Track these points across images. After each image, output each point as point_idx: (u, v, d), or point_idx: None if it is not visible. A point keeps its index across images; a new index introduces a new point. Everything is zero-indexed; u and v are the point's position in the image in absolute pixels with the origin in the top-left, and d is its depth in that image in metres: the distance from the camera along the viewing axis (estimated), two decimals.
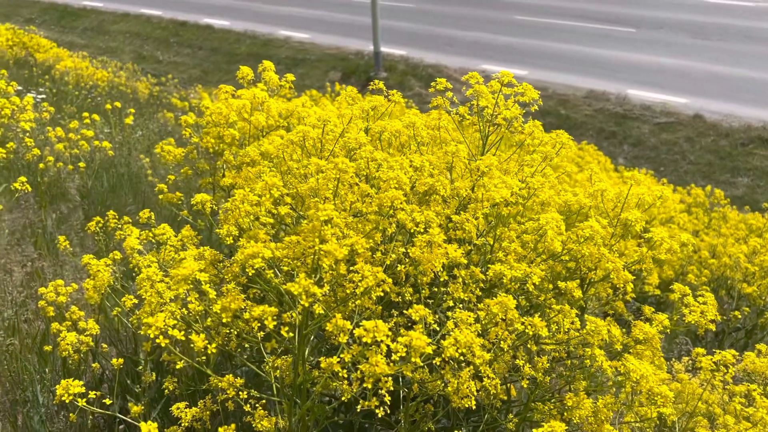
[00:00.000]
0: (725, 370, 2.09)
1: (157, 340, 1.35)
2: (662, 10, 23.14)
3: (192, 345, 1.39)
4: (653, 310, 2.08)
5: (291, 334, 1.40)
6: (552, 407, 1.85)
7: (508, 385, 2.06)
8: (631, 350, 1.96)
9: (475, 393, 1.53)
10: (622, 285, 1.84)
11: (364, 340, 1.27)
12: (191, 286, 1.44)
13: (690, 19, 21.89)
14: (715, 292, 6.19)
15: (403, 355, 1.27)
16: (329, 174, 1.57)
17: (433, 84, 2.08)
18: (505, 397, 2.05)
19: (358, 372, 1.32)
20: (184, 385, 2.77)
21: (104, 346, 3.02)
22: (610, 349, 1.97)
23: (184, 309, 1.64)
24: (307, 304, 1.30)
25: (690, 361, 3.29)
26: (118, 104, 8.35)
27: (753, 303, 6.00)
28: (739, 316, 5.59)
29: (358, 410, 1.44)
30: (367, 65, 19.98)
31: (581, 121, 16.17)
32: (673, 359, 3.37)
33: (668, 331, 2.10)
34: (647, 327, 1.94)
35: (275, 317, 1.35)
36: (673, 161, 15.15)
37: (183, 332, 1.39)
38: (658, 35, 20.83)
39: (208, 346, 1.41)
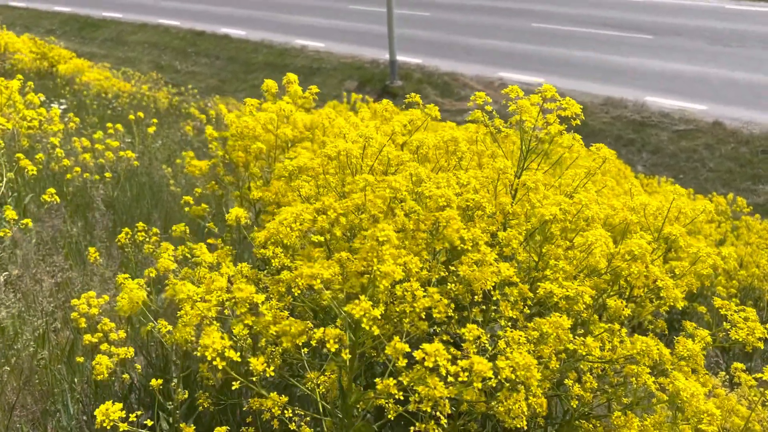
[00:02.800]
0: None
1: (215, 362, 1.34)
2: (680, 16, 22.97)
3: (251, 367, 1.38)
4: (695, 325, 2.04)
5: (349, 356, 1.38)
6: (598, 424, 1.82)
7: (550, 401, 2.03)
8: (674, 367, 1.92)
9: (526, 412, 1.51)
10: (671, 302, 1.80)
11: (426, 364, 1.25)
12: (247, 308, 1.43)
13: (708, 26, 21.71)
14: (742, 303, 6.11)
15: (464, 379, 1.26)
16: (381, 192, 1.56)
17: (472, 98, 2.07)
18: (546, 413, 2.02)
19: (416, 395, 1.30)
20: (214, 398, 2.77)
21: (138, 367, 3.02)
22: (653, 366, 1.94)
23: (242, 326, 1.63)
24: (368, 327, 1.29)
25: (726, 376, 3.23)
26: (141, 114, 8.43)
27: None
28: None
29: (412, 431, 1.43)
30: (383, 74, 20.02)
31: (599, 129, 16.08)
32: (708, 374, 3.31)
33: (710, 347, 2.06)
34: (690, 344, 1.90)
35: (336, 340, 1.34)
36: (693, 169, 14.99)
37: (238, 354, 1.38)
38: (676, 42, 20.67)
39: (267, 369, 1.40)
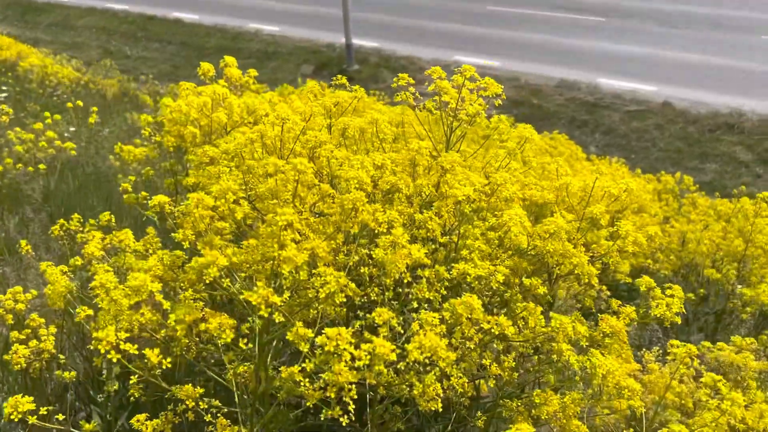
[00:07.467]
0: (690, 362, 2.10)
1: (109, 355, 1.29)
2: None
3: (146, 360, 1.34)
4: (620, 303, 2.08)
5: (250, 346, 1.35)
6: (520, 404, 1.83)
7: (478, 382, 2.05)
8: (599, 344, 1.95)
9: (442, 395, 1.50)
10: (587, 279, 1.82)
11: (326, 348, 1.23)
12: (144, 297, 1.38)
13: (658, 8, 22.15)
14: (686, 278, 6.29)
15: (367, 363, 1.24)
16: (288, 175, 1.53)
17: (395, 79, 2.04)
18: (473, 393, 2.03)
19: (321, 381, 1.28)
20: (150, 391, 2.71)
21: (61, 357, 2.92)
22: (580, 344, 1.96)
23: (142, 318, 1.58)
24: (266, 314, 1.26)
25: (660, 351, 3.32)
26: (79, 103, 8.14)
27: (721, 288, 6.12)
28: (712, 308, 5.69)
29: (322, 418, 1.40)
30: (340, 58, 19.82)
31: (553, 111, 16.27)
32: (644, 349, 3.39)
33: (635, 322, 2.10)
34: (613, 321, 1.93)
35: (234, 328, 1.31)
36: (644, 148, 15.33)
37: (136, 345, 1.33)
38: (627, 24, 21.04)
39: (163, 361, 1.35)
